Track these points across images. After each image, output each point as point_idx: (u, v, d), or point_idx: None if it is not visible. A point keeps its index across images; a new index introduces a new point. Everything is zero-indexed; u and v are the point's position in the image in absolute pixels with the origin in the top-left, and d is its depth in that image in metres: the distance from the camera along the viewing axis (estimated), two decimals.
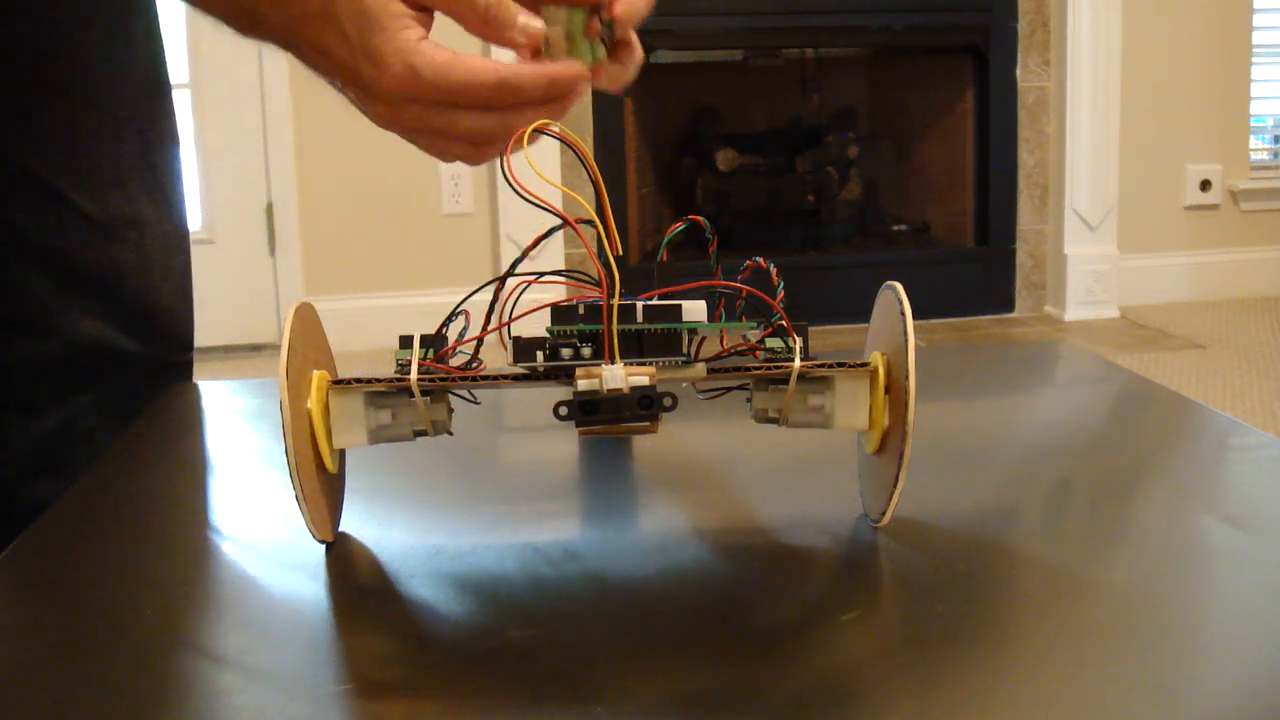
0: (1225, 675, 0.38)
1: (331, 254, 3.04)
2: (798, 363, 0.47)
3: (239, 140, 2.95)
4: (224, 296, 3.01)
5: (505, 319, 0.50)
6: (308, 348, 0.48)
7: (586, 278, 0.47)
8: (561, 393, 0.45)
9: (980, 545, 0.48)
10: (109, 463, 0.61)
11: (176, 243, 0.80)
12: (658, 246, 0.52)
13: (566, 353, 0.46)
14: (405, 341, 0.48)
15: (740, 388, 0.50)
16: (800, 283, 3.07)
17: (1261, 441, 0.60)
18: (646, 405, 0.44)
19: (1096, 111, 3.22)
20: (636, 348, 0.46)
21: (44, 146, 0.70)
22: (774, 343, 0.49)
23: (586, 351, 0.46)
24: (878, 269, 3.17)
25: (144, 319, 0.76)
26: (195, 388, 0.77)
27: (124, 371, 0.75)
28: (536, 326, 0.47)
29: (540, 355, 0.46)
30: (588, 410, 0.44)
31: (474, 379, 0.48)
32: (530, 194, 0.47)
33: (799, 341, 0.48)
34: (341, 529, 0.50)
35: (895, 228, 3.59)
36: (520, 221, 2.90)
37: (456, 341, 0.49)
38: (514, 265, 0.50)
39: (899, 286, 0.47)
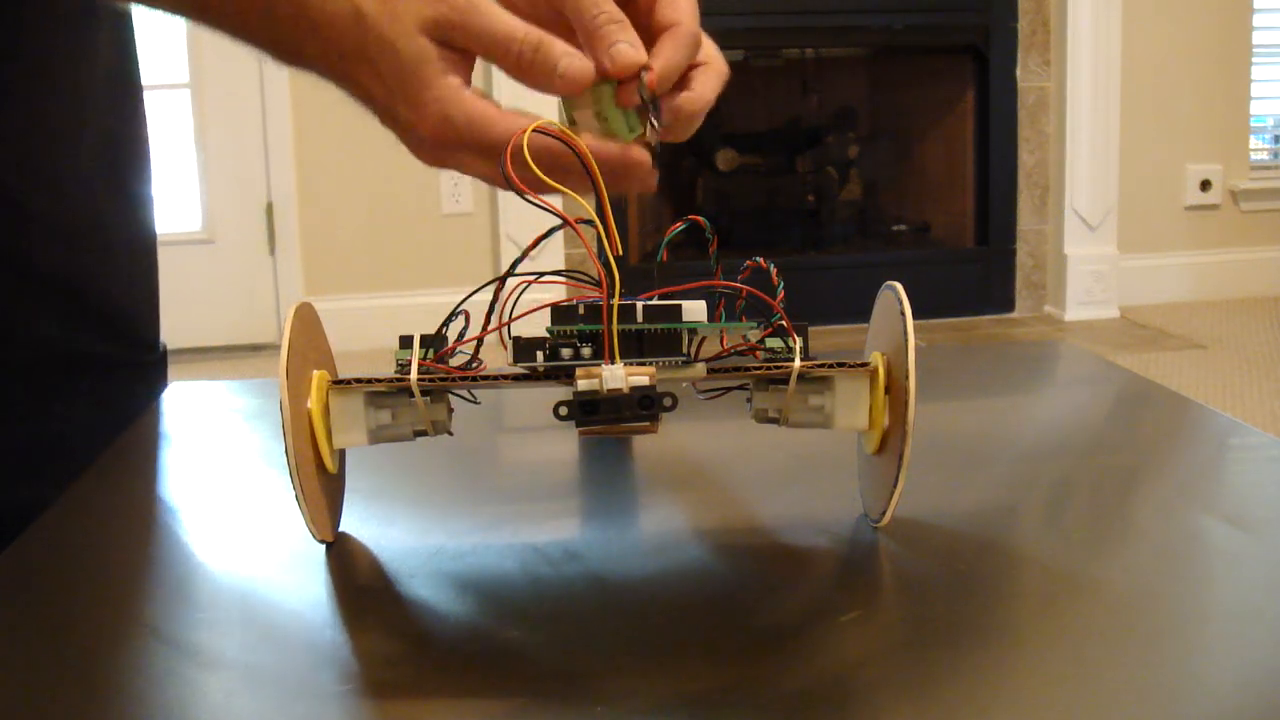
0: (1225, 675, 0.38)
1: (331, 254, 3.04)
2: (798, 363, 0.47)
3: (239, 140, 2.95)
4: (224, 296, 3.01)
5: (505, 319, 0.50)
6: (308, 348, 0.48)
7: (586, 278, 0.47)
8: (561, 393, 0.45)
9: (980, 545, 0.48)
10: (107, 463, 0.61)
11: (141, 244, 0.79)
12: (658, 246, 0.52)
13: (566, 353, 0.46)
14: (405, 341, 0.48)
15: (740, 388, 0.50)
16: (800, 283, 3.07)
17: (1261, 441, 0.60)
18: (646, 405, 0.44)
19: (1096, 111, 3.22)
20: (636, 348, 0.46)
21: (1, 148, 0.69)
22: (774, 343, 0.49)
23: (586, 351, 0.46)
24: (878, 269, 3.17)
25: (106, 322, 0.76)
26: (195, 388, 0.77)
27: (91, 375, 0.74)
28: (536, 326, 0.47)
29: (540, 355, 0.46)
30: (588, 410, 0.44)
31: (474, 379, 0.48)
32: (530, 194, 0.47)
33: (799, 341, 0.48)
34: (341, 529, 0.50)
35: (895, 228, 3.59)
36: (520, 221, 2.90)
37: (456, 341, 0.49)
38: (514, 265, 0.50)
39: (899, 286, 0.47)
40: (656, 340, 0.46)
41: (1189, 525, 0.50)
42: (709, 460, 0.60)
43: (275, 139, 2.95)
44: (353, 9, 0.51)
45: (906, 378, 0.45)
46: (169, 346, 0.81)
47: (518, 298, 0.51)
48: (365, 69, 0.52)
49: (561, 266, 0.51)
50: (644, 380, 0.44)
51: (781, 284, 0.50)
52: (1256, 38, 3.41)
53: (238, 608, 0.45)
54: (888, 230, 3.59)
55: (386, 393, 0.48)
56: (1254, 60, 3.43)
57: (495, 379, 0.48)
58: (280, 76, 2.88)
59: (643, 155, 0.52)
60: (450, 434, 0.50)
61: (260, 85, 2.93)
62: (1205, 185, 3.44)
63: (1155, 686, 0.37)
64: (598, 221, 0.48)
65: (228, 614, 0.45)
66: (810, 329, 0.49)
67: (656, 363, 0.45)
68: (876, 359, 0.48)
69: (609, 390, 0.44)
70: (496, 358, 0.51)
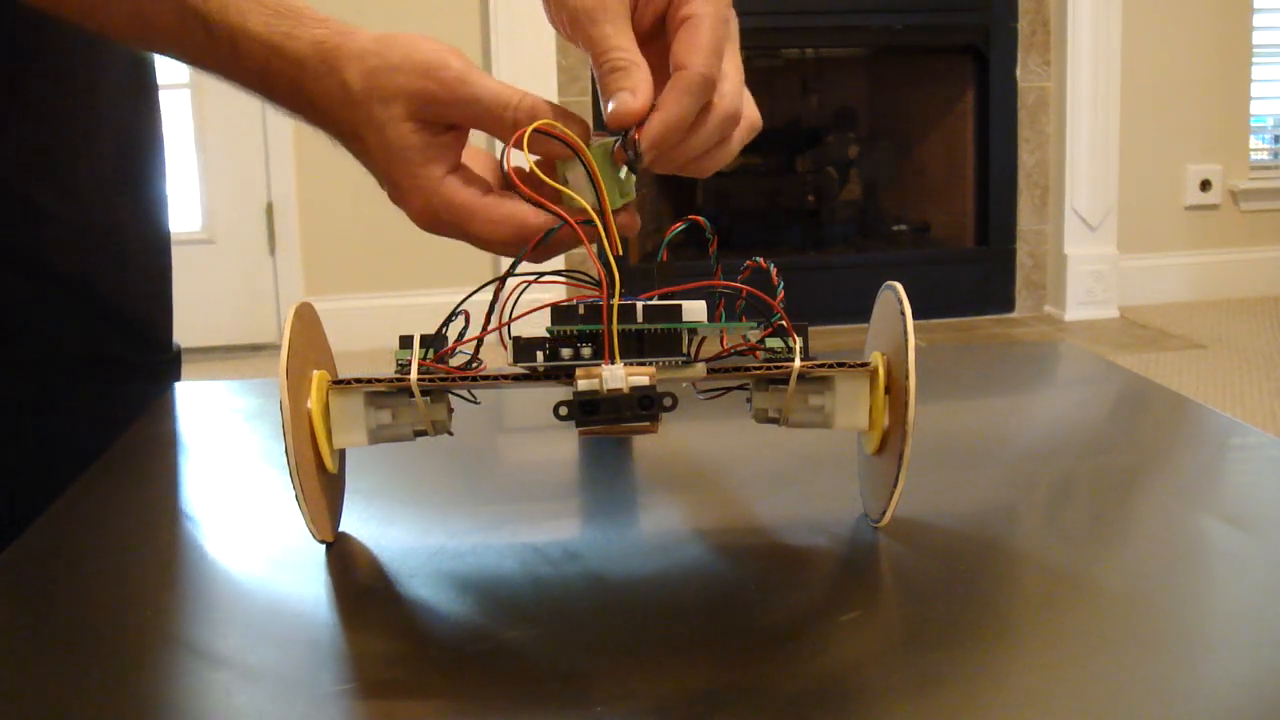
0: (1225, 675, 0.38)
1: (331, 254, 3.04)
2: (798, 363, 0.47)
3: (239, 140, 2.95)
4: (224, 296, 3.01)
5: (505, 319, 0.50)
6: (308, 348, 0.48)
7: (586, 278, 0.47)
8: (561, 393, 0.45)
9: (980, 545, 0.48)
10: (108, 463, 0.61)
11: (155, 243, 0.79)
12: (658, 247, 0.52)
13: (566, 353, 0.46)
14: (405, 341, 0.48)
15: (740, 388, 0.50)
16: (800, 283, 3.07)
17: (1261, 441, 0.60)
18: (646, 405, 0.44)
19: (1096, 111, 3.22)
20: (636, 348, 0.46)
21: (15, 151, 0.70)
22: (774, 343, 0.49)
23: (586, 351, 0.46)
24: (878, 269, 3.17)
25: (120, 322, 0.76)
26: (195, 388, 0.77)
27: (104, 375, 0.75)
28: (536, 326, 0.47)
29: (540, 355, 0.46)
30: (588, 410, 0.44)
31: (474, 379, 0.48)
32: (530, 194, 0.47)
33: (799, 341, 0.48)
34: (341, 529, 0.50)
35: (895, 228, 3.59)
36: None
37: (456, 341, 0.49)
38: (514, 265, 0.50)
39: (899, 286, 0.47)
40: (656, 340, 0.46)
41: (1189, 525, 0.50)
42: (709, 460, 0.60)
43: (275, 139, 2.95)
44: (341, 86, 0.52)
45: (906, 378, 0.45)
46: None
47: (518, 298, 0.51)
48: (357, 145, 0.53)
49: (561, 267, 0.51)
50: (644, 380, 0.44)
51: (781, 284, 0.49)
52: (1256, 38, 3.41)
53: (238, 607, 0.45)
54: (888, 230, 3.59)
55: (386, 393, 0.48)
56: (1254, 60, 3.43)
57: (495, 379, 0.48)
58: None
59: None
60: (450, 434, 0.50)
61: None
62: (1205, 185, 3.44)
63: (1155, 686, 0.37)
64: (598, 221, 0.48)
65: (228, 613, 0.45)
66: (810, 329, 0.49)
67: (656, 363, 0.45)
68: (876, 359, 0.48)
69: (609, 390, 0.44)
70: (496, 358, 0.51)
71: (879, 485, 0.48)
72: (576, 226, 0.48)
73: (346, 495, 0.52)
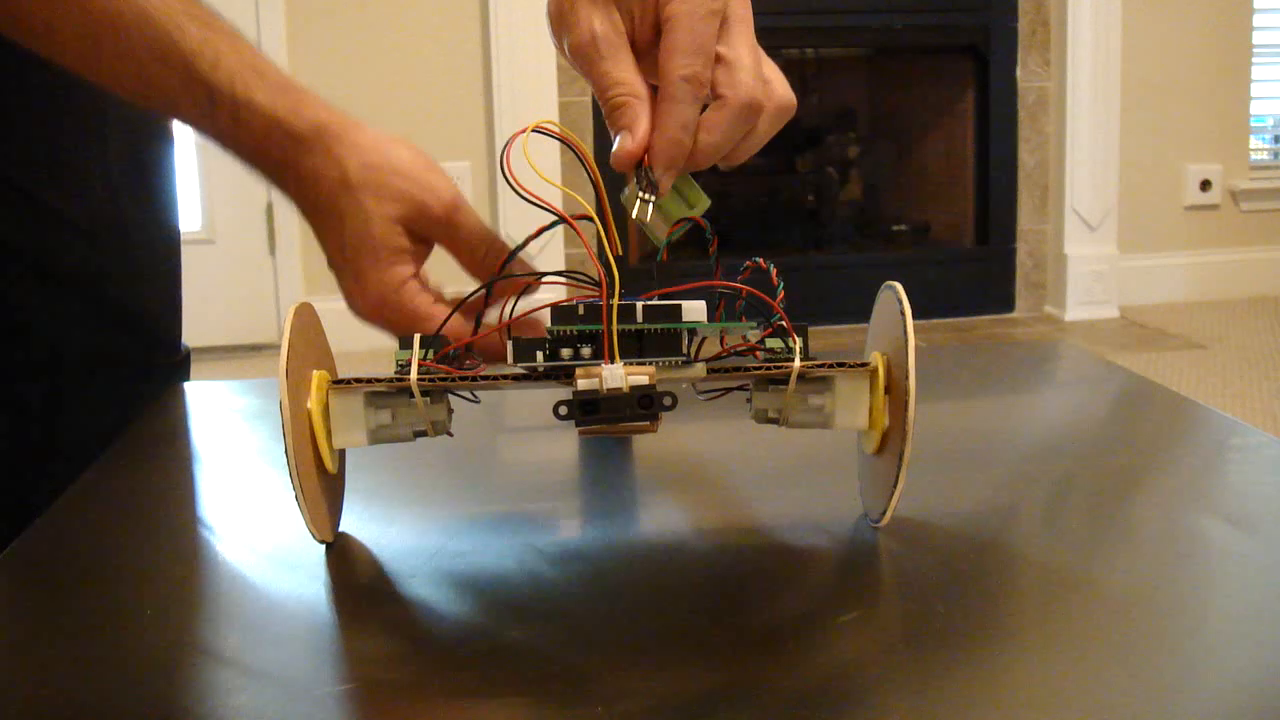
0: (1225, 675, 0.38)
1: None
2: (798, 363, 0.47)
3: None
4: (224, 296, 3.01)
5: (505, 319, 0.50)
6: (308, 348, 0.48)
7: (586, 278, 0.47)
8: (561, 393, 0.45)
9: (980, 545, 0.48)
10: (108, 463, 0.61)
11: (165, 244, 0.79)
12: (658, 247, 0.52)
13: (566, 353, 0.46)
14: (405, 341, 0.48)
15: (740, 388, 0.50)
16: (800, 283, 3.07)
17: (1261, 441, 0.60)
18: (646, 405, 0.44)
19: (1096, 111, 3.22)
20: (636, 348, 0.46)
21: (25, 151, 0.70)
22: (774, 343, 0.48)
23: (586, 351, 0.46)
24: (878, 269, 3.17)
25: (129, 323, 0.76)
26: (195, 388, 0.77)
27: (113, 375, 0.75)
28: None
29: (540, 355, 0.46)
30: (588, 410, 0.44)
31: (474, 379, 0.48)
32: (529, 193, 0.47)
33: (799, 341, 0.48)
34: (341, 529, 0.50)
35: (895, 228, 3.59)
36: (520, 221, 2.90)
37: (456, 341, 0.49)
38: (509, 259, 0.50)
39: (899, 286, 0.47)
40: (656, 340, 0.46)
41: (1189, 525, 0.50)
42: (709, 460, 0.60)
43: None
44: (338, 169, 0.55)
45: (906, 378, 0.45)
46: None
47: (518, 298, 0.51)
48: (334, 227, 0.55)
49: (562, 267, 0.51)
50: (643, 380, 0.44)
51: (781, 284, 0.49)
52: (1256, 38, 3.41)
53: (238, 607, 0.45)
54: (888, 230, 3.59)
55: (386, 393, 0.48)
56: (1254, 60, 3.43)
57: (495, 379, 0.48)
58: None
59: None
60: (450, 434, 0.50)
61: None
62: (1205, 185, 3.44)
63: (1155, 686, 0.37)
64: (597, 221, 0.48)
65: (228, 613, 0.45)
66: (810, 329, 0.49)
67: (656, 363, 0.45)
68: (876, 359, 0.48)
69: (609, 390, 0.44)
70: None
71: (879, 485, 0.48)
72: (574, 224, 0.49)
73: (346, 495, 0.52)
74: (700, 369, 0.47)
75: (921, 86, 3.51)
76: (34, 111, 0.69)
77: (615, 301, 0.45)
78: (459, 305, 0.51)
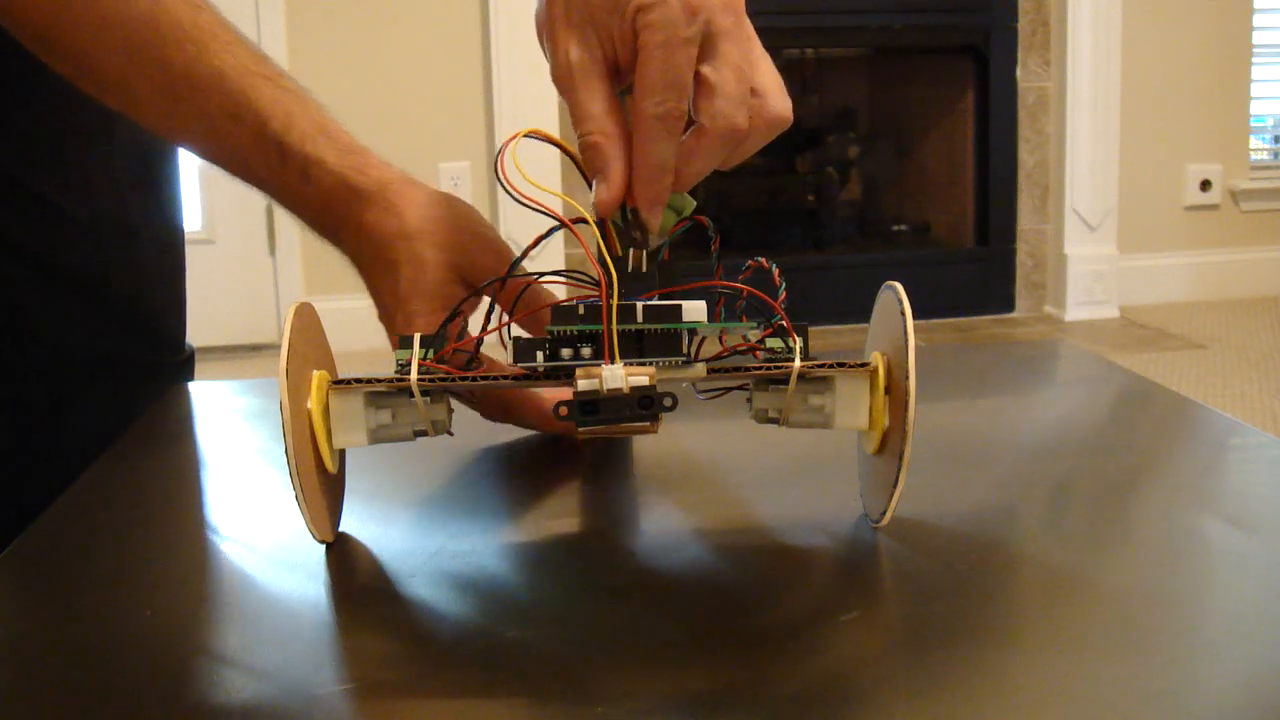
0: (1225, 675, 0.38)
1: (331, 254, 3.02)
2: (798, 363, 0.47)
3: None
4: (224, 296, 3.01)
5: (505, 319, 0.50)
6: (308, 348, 0.48)
7: (586, 278, 0.47)
8: (562, 393, 0.45)
9: (980, 545, 0.48)
10: (109, 463, 0.61)
11: (169, 244, 0.79)
12: (659, 247, 0.52)
13: (566, 353, 0.46)
14: (405, 341, 0.48)
15: (740, 388, 0.50)
16: (800, 283, 3.07)
17: (1261, 441, 0.60)
18: (646, 405, 0.44)
19: (1096, 111, 3.22)
20: (637, 348, 0.46)
21: (30, 150, 0.70)
22: (774, 343, 0.48)
23: (586, 351, 0.46)
24: (878, 269, 3.17)
25: (134, 322, 0.76)
26: (195, 388, 0.77)
27: (116, 375, 0.75)
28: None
29: (540, 355, 0.46)
30: (588, 410, 0.44)
31: (474, 379, 0.48)
32: (526, 198, 0.48)
33: (799, 342, 0.48)
34: (341, 529, 0.50)
35: (895, 228, 3.60)
36: (520, 222, 2.90)
37: (456, 341, 0.49)
38: (514, 265, 0.50)
39: (899, 286, 0.47)
40: (657, 340, 0.46)
41: (1189, 525, 0.50)
42: (709, 460, 0.60)
43: None
44: (398, 221, 0.57)
45: (906, 378, 0.45)
46: None
47: (518, 298, 0.51)
48: (389, 275, 0.57)
49: (562, 267, 0.51)
50: (644, 380, 0.44)
51: (783, 284, 0.49)
52: (1256, 38, 3.42)
53: (238, 607, 0.45)
54: (888, 230, 3.59)
55: (386, 393, 0.48)
56: (1254, 60, 3.43)
57: (495, 379, 0.48)
58: None
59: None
60: (450, 434, 0.50)
61: None
62: (1205, 185, 3.44)
63: (1155, 686, 0.37)
64: (594, 225, 0.48)
65: (228, 613, 0.45)
66: (810, 329, 0.49)
67: (656, 363, 0.45)
68: (876, 359, 0.48)
69: (609, 390, 0.44)
70: (497, 358, 0.51)
71: (879, 485, 0.48)
72: (572, 228, 0.49)
73: (346, 495, 0.52)
74: (700, 369, 0.47)
75: (921, 86, 3.52)
76: (39, 111, 0.70)
77: (615, 302, 0.45)
78: (460, 305, 0.51)
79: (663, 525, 0.52)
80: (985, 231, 3.34)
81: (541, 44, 0.52)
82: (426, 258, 0.56)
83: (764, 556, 0.48)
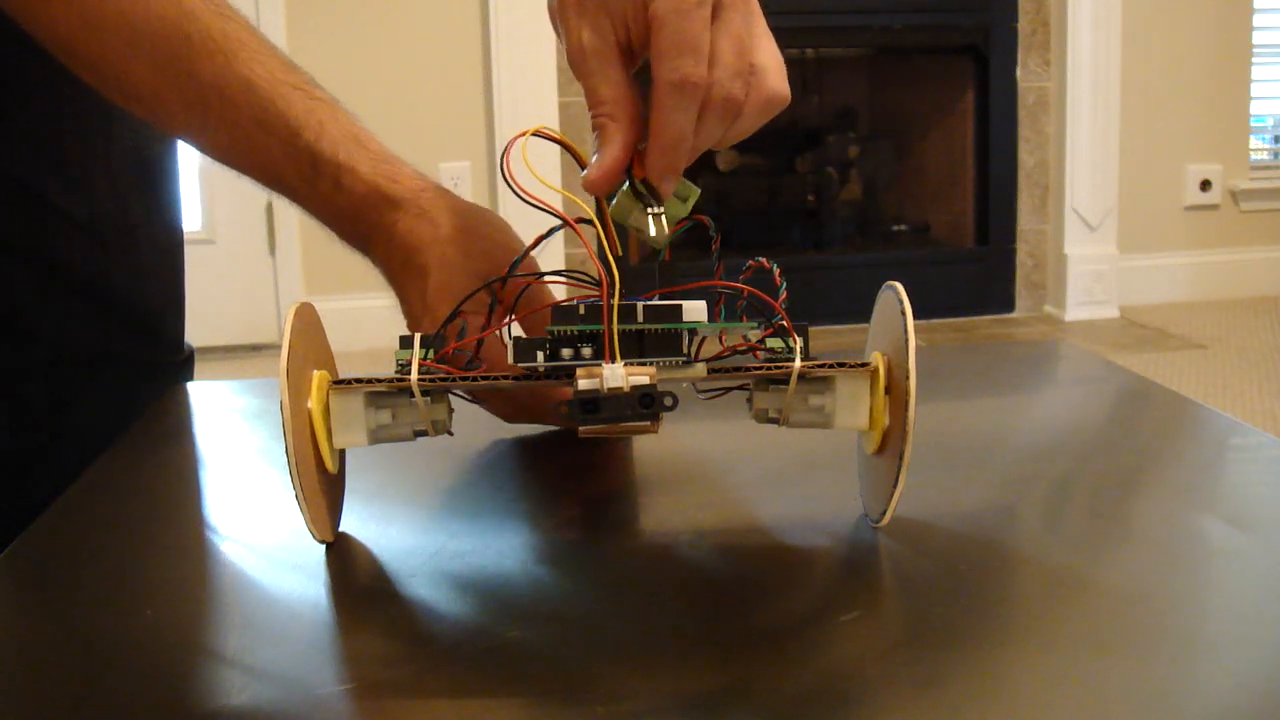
0: (1225, 675, 0.38)
1: (331, 254, 3.02)
2: (798, 363, 0.47)
3: None
4: (224, 296, 3.01)
5: (506, 320, 0.50)
6: (308, 348, 0.48)
7: (587, 278, 0.47)
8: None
9: (980, 545, 0.48)
10: (109, 463, 0.61)
11: (169, 244, 0.79)
12: (660, 247, 0.52)
13: (567, 353, 0.46)
14: (405, 342, 0.48)
15: (740, 388, 0.50)
16: (800, 283, 3.07)
17: (1261, 441, 0.60)
18: (647, 404, 0.44)
19: (1096, 111, 3.22)
20: (637, 348, 0.46)
21: (30, 150, 0.70)
22: (774, 343, 0.48)
23: (587, 351, 0.46)
24: (878, 269, 3.17)
25: (134, 322, 0.76)
26: (195, 388, 0.77)
27: (116, 374, 0.75)
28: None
29: (541, 355, 0.46)
30: (588, 409, 0.44)
31: (474, 379, 0.48)
32: (530, 196, 0.48)
33: (799, 341, 0.48)
34: (341, 529, 0.50)
35: (895, 228, 3.60)
36: (521, 222, 2.90)
37: (456, 341, 0.49)
38: (514, 265, 0.50)
39: (899, 286, 0.47)
40: (657, 340, 0.46)
41: (1189, 525, 0.50)
42: (709, 460, 0.60)
43: None
44: (432, 228, 0.58)
45: (907, 378, 0.45)
46: None
47: (518, 298, 0.51)
48: (418, 280, 0.58)
49: (562, 267, 0.51)
50: (644, 380, 0.44)
51: (784, 284, 0.49)
52: (1256, 38, 3.42)
53: (238, 607, 0.45)
54: (888, 230, 3.59)
55: (387, 393, 0.48)
56: (1254, 60, 3.43)
57: (495, 379, 0.48)
58: None
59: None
60: (450, 434, 0.50)
61: None
62: (1205, 185, 3.44)
63: (1155, 686, 0.37)
64: (597, 224, 0.48)
65: (228, 613, 0.45)
66: (810, 329, 0.49)
67: (657, 362, 0.45)
68: (877, 359, 0.48)
69: (609, 389, 0.44)
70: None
71: (879, 485, 0.48)
72: (575, 226, 0.49)
73: (346, 495, 0.52)
74: (701, 369, 0.47)
75: (921, 86, 3.52)
76: (39, 110, 0.70)
77: (615, 301, 0.45)
78: (460, 305, 0.51)
79: (663, 525, 0.52)
80: (985, 231, 3.34)
81: (555, 29, 0.52)
82: (455, 264, 0.57)
83: (764, 556, 0.48)
